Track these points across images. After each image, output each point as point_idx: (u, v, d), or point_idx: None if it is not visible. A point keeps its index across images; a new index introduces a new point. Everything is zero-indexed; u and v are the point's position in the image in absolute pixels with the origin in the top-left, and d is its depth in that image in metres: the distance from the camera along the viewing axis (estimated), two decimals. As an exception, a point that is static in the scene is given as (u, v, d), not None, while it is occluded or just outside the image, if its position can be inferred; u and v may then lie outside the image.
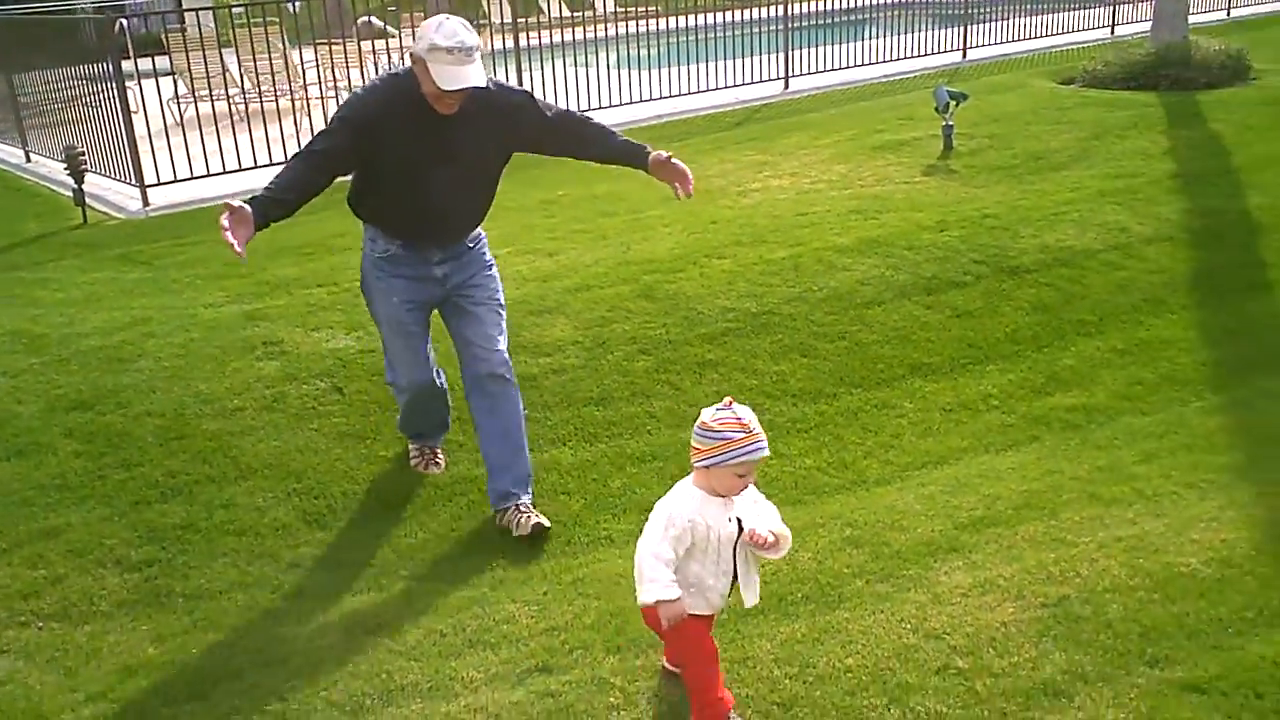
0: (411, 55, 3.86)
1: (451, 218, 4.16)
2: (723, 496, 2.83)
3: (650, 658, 3.29)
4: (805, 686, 3.08)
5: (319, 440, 4.82)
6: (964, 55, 14.17)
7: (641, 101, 11.82)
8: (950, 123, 9.16)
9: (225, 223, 3.50)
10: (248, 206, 3.59)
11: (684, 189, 4.13)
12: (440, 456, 4.73)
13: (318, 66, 11.73)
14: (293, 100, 11.74)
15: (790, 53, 12.88)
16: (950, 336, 5.85)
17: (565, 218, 7.93)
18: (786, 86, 12.79)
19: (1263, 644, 3.02)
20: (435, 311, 4.38)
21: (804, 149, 9.59)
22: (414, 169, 3.95)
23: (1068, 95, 10.90)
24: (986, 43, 14.55)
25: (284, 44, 11.95)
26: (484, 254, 4.36)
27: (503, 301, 4.37)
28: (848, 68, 13.31)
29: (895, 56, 13.77)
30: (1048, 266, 6.54)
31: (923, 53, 14.01)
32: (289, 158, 4.01)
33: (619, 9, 16.21)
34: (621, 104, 11.64)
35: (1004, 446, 4.90)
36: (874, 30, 14.51)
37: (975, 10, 14.81)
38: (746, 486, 2.86)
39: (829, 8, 13.56)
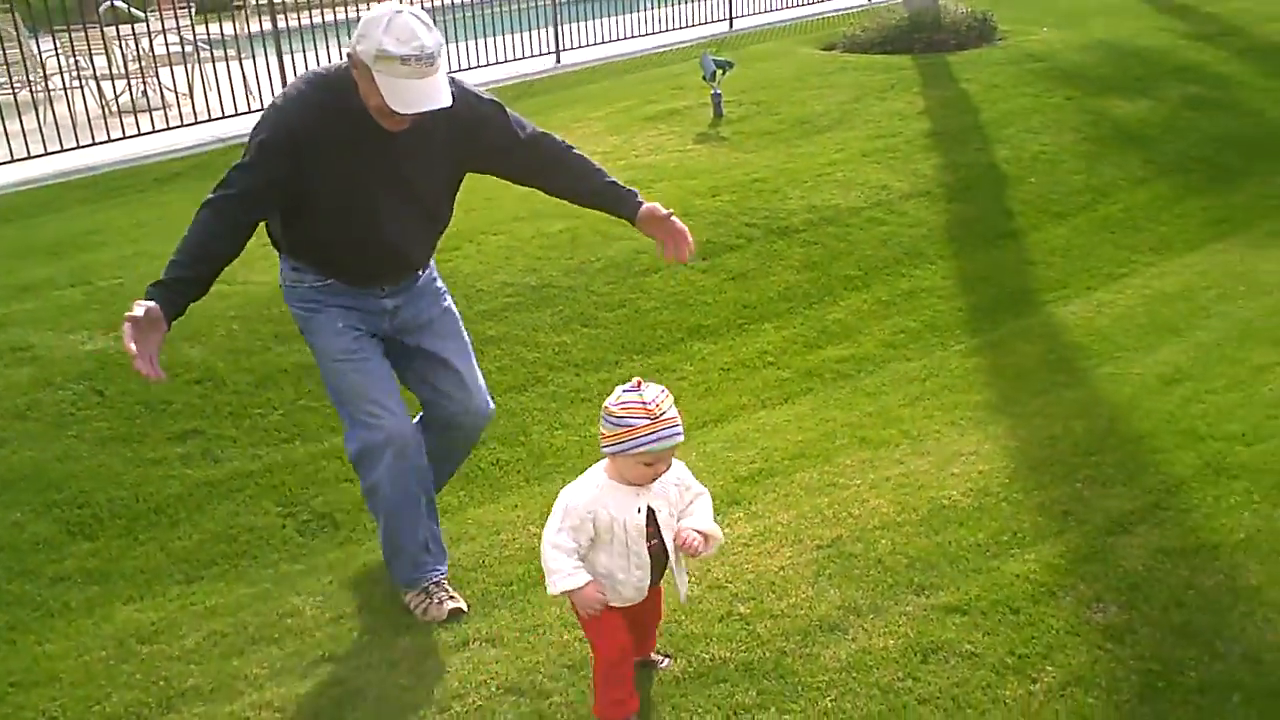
0: (350, 57, 2.96)
1: (401, 252, 3.33)
2: (634, 485, 2.59)
3: (442, 635, 3.26)
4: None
5: (80, 447, 4.54)
6: (730, 25, 14.47)
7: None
8: (718, 90, 9.35)
9: (130, 340, 2.72)
10: (154, 304, 2.80)
11: (678, 252, 3.35)
12: (451, 589, 3.49)
13: (57, 55, 11.02)
14: (32, 93, 10.98)
15: (560, 27, 12.86)
16: (726, 299, 6.00)
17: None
18: (558, 61, 12.78)
19: (1016, 564, 3.23)
20: None
21: (578, 122, 9.61)
22: (354, 198, 3.13)
23: (829, 61, 11.29)
24: (752, 11, 14.90)
25: (18, 31, 11.14)
26: (435, 281, 3.56)
27: (468, 339, 3.64)
28: (618, 40, 13.40)
29: (664, 28, 13.94)
30: (815, 226, 6.78)
31: (691, 23, 14.23)
32: (196, 211, 3.02)
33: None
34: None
35: (780, 400, 5.07)
36: (642, 2, 14.65)
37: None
38: (658, 475, 2.60)
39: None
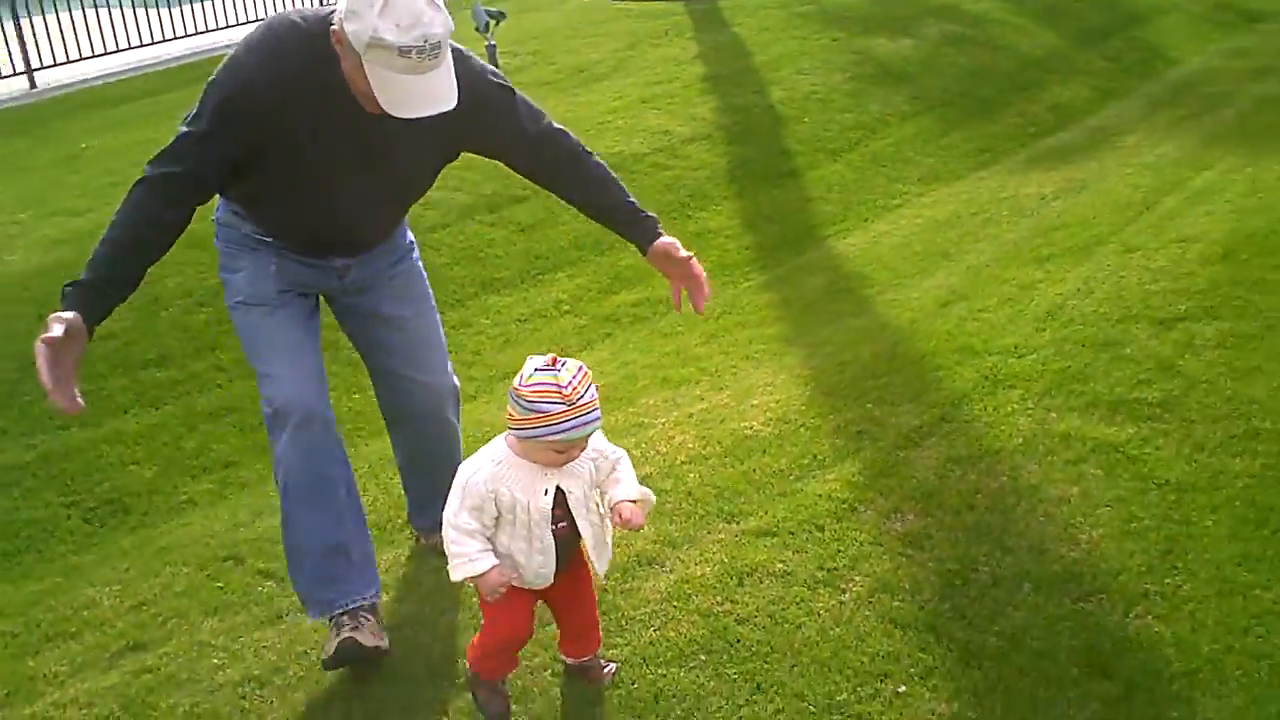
0: (335, 35, 2.37)
1: (363, 232, 2.85)
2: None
3: (253, 612, 3.16)
4: (399, 607, 3.08)
5: None
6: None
7: (160, 42, 10.95)
8: (492, 42, 9.22)
9: (45, 369, 2.22)
10: (74, 314, 2.30)
11: (694, 301, 2.87)
12: (377, 616, 2.82)
13: None
14: None
15: (324, -19, 12.41)
16: (517, 250, 5.97)
17: (95, 172, 7.24)
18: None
19: (818, 484, 3.36)
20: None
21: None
22: (318, 181, 2.61)
23: (601, 8, 11.30)
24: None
25: None
26: (402, 236, 3.01)
27: (433, 302, 3.12)
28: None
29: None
30: (601, 173, 6.80)
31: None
32: (130, 188, 2.51)
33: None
34: (135, 45, 10.73)
35: (580, 347, 5.10)
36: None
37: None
38: (571, 460, 2.34)
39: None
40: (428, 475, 3.13)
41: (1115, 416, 3.46)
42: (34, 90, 9.93)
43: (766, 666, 2.59)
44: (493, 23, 9.24)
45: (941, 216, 6.19)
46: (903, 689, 2.46)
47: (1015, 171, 7.01)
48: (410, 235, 3.08)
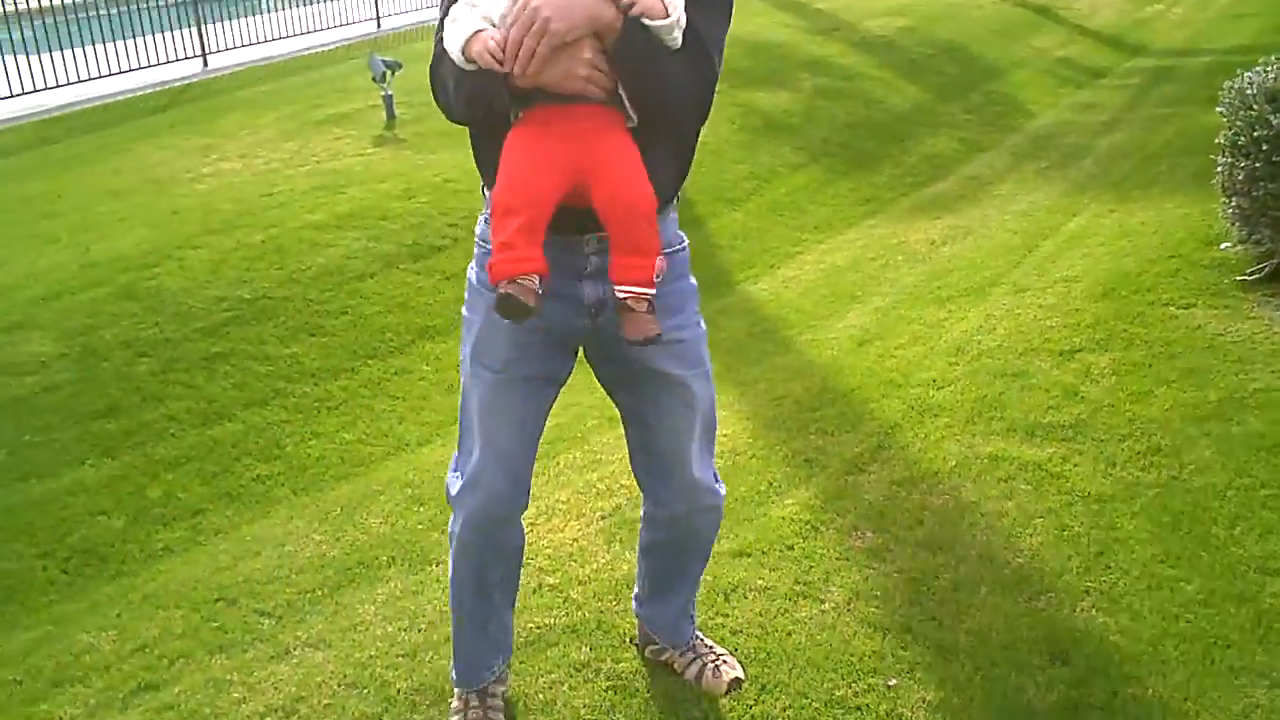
0: None
1: None
2: None
3: (261, 649, 3.30)
4: (407, 636, 3.27)
5: None
6: (379, 25, 14.44)
7: (44, 90, 10.77)
8: (389, 92, 9.41)
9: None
10: None
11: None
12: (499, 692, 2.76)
13: None
14: None
15: (205, 26, 12.35)
16: (446, 298, 6.17)
17: (-3, 223, 7.16)
18: (205, 65, 12.27)
19: (779, 509, 3.68)
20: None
21: (245, 129, 9.35)
22: None
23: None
24: (400, 10, 14.93)
25: None
26: (679, 250, 2.41)
27: (709, 367, 2.57)
28: (268, 41, 13.04)
29: (314, 27, 13.70)
30: (516, 222, 7.05)
31: (339, 23, 14.07)
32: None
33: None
34: (19, 93, 10.54)
35: (522, 390, 5.33)
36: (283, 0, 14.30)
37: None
38: None
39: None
40: (670, 575, 2.84)
41: (1033, 438, 3.89)
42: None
43: (767, 670, 2.88)
44: (389, 72, 9.43)
45: (842, 262, 6.65)
46: (893, 681, 2.79)
47: (901, 219, 7.54)
48: (686, 254, 2.47)
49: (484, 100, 2.09)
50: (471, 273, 2.46)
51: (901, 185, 8.32)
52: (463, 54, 2.05)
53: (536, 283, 2.05)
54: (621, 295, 2.13)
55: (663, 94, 2.10)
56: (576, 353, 2.48)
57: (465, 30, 2.04)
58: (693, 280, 2.47)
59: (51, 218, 7.18)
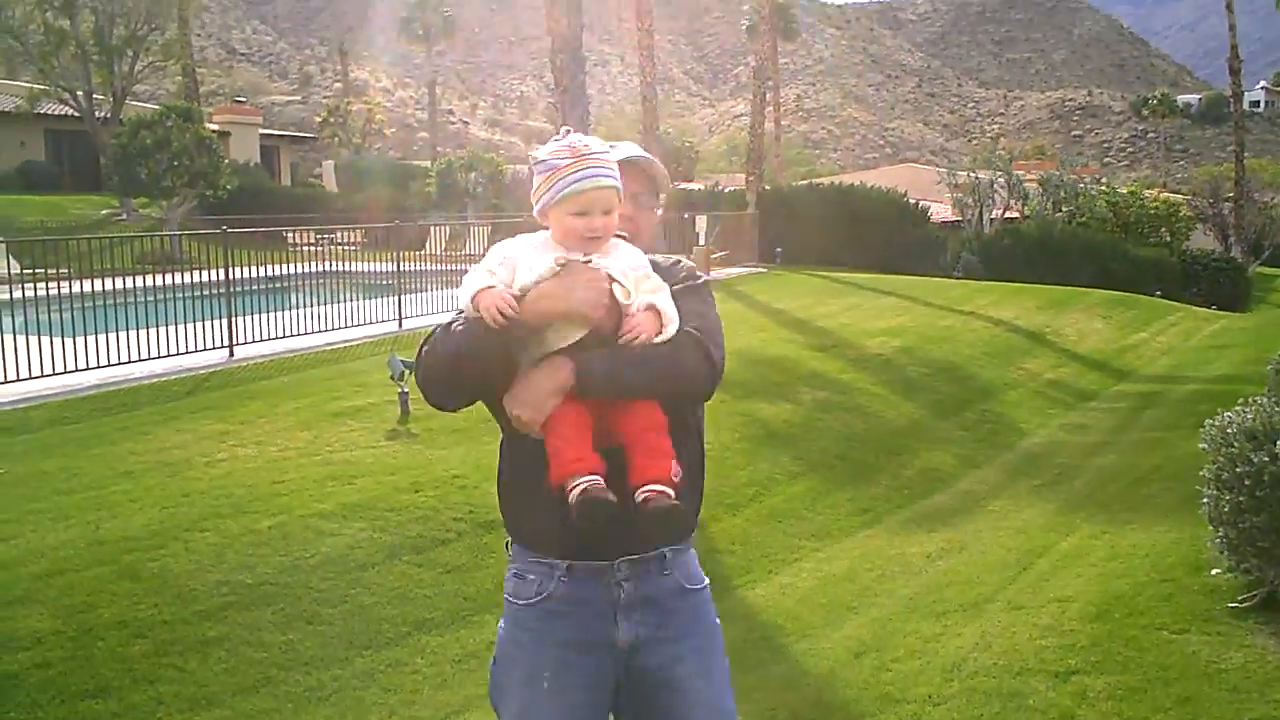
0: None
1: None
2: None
3: None
4: None
5: None
6: (400, 326, 15.11)
7: (74, 371, 11.20)
8: (405, 389, 9.78)
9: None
10: None
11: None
12: None
13: None
14: None
15: (234, 319, 12.94)
16: (446, 591, 6.21)
17: (13, 497, 7.29)
18: (232, 354, 12.78)
19: None
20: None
21: (264, 417, 9.66)
22: None
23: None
24: (421, 313, 15.64)
25: None
26: (700, 589, 2.60)
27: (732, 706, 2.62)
28: (291, 335, 13.62)
29: (336, 325, 14.34)
30: (519, 518, 7.18)
31: (362, 322, 14.73)
32: None
33: (24, 269, 15.25)
34: (45, 374, 10.95)
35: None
36: (311, 298, 15.04)
37: (405, 282, 15.90)
38: (595, 235, 2.31)
39: (267, 274, 13.93)
40: None
41: (1030, 763, 3.86)
42: (-67, 413, 9.97)
43: None
44: (407, 372, 9.84)
45: (839, 571, 6.72)
46: None
47: (898, 531, 7.67)
48: (706, 590, 2.65)
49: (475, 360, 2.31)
50: (501, 628, 2.56)
51: (898, 497, 8.50)
52: (471, 303, 2.29)
53: (601, 482, 2.24)
54: (642, 496, 2.27)
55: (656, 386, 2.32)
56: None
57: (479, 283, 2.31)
58: (718, 621, 2.62)
59: (66, 494, 7.33)
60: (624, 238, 2.42)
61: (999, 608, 5.45)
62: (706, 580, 2.61)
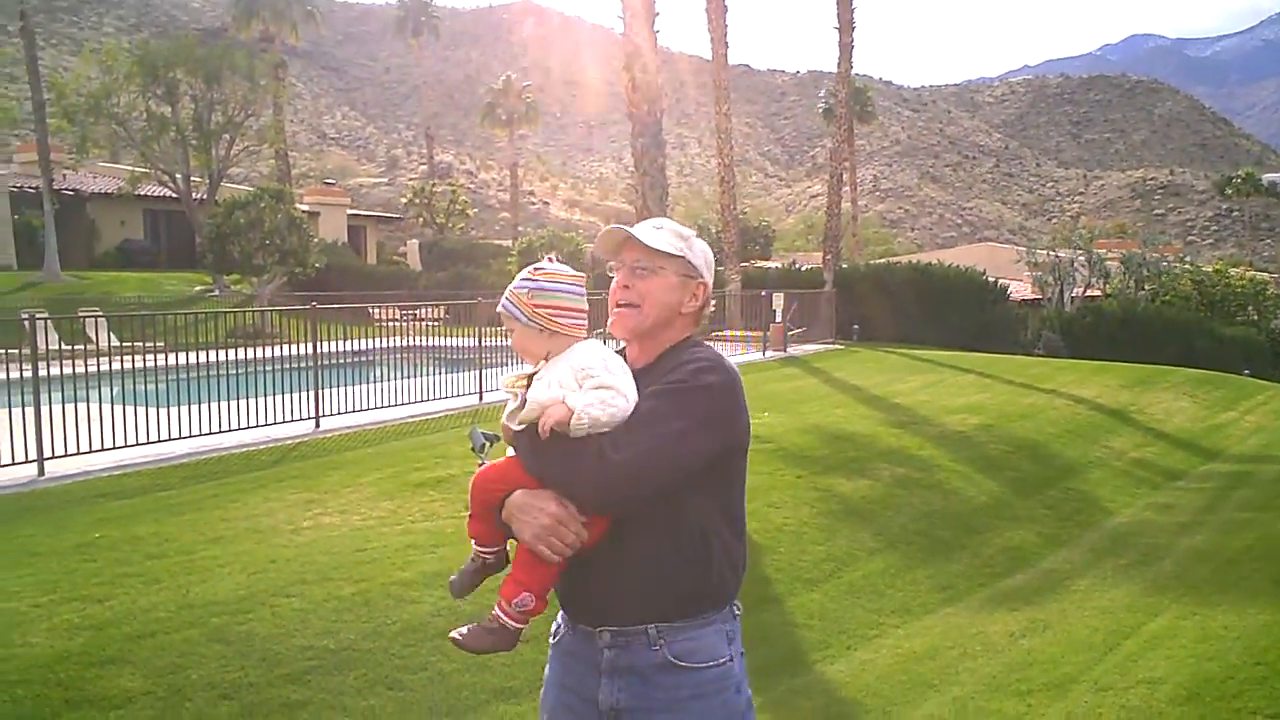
0: None
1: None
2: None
3: None
4: None
5: None
6: (480, 399, 15.35)
7: (167, 440, 11.57)
8: (485, 460, 9.88)
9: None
10: None
11: None
12: None
13: None
14: None
15: (320, 391, 13.27)
16: (524, 660, 6.23)
17: (107, 560, 7.52)
18: (318, 425, 13.09)
19: None
20: None
21: (347, 486, 9.86)
22: None
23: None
24: (501, 387, 15.89)
25: None
26: (701, 669, 2.60)
27: None
28: (375, 408, 13.92)
29: (419, 398, 14.62)
30: (597, 590, 7.22)
31: (444, 395, 15.01)
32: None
33: (122, 342, 15.80)
34: (140, 443, 11.31)
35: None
36: (394, 372, 15.38)
37: (486, 357, 16.19)
38: (527, 354, 2.77)
39: (353, 348, 14.29)
40: None
41: (1119, 845, 3.77)
42: (42, 477, 10.34)
43: None
44: (487, 444, 9.94)
45: (919, 649, 6.63)
46: None
47: (979, 610, 7.55)
48: (726, 655, 2.63)
49: None
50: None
51: (980, 575, 8.38)
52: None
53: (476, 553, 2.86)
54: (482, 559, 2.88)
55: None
56: None
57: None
58: (745, 692, 2.64)
59: (157, 559, 7.54)
60: (633, 306, 2.69)
61: (1085, 688, 5.34)
62: (721, 659, 2.61)
